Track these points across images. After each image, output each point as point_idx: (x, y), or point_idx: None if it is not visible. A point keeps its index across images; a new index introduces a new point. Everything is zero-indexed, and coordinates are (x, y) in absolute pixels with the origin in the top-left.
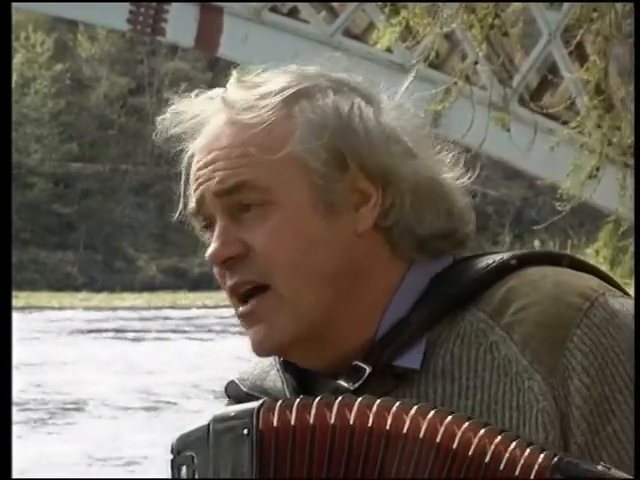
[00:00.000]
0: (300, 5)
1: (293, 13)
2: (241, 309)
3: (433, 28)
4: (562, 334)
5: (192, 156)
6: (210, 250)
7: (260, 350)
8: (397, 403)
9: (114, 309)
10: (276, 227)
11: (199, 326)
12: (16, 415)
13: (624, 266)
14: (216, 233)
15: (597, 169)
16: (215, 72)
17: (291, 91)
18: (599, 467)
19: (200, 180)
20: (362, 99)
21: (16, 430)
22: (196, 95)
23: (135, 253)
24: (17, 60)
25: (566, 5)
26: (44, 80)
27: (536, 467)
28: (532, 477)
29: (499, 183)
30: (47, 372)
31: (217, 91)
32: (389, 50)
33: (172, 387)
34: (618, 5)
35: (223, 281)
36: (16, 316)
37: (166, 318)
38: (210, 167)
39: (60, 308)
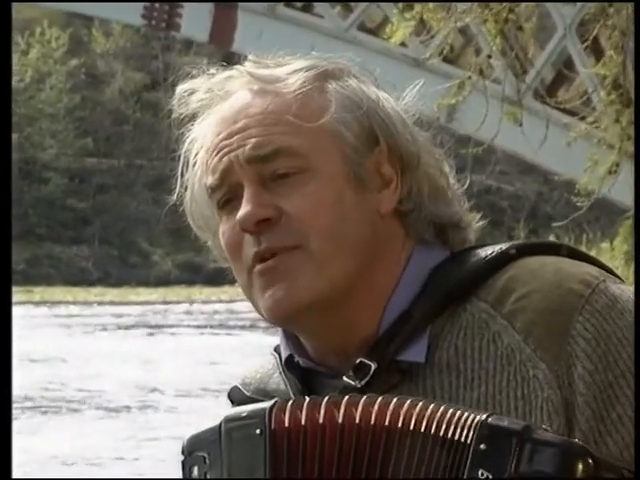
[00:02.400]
0: None
1: (307, 8)
2: (262, 265)
3: (447, 23)
4: (564, 321)
5: (194, 140)
6: (242, 212)
7: (277, 311)
8: (399, 400)
9: (133, 304)
10: (314, 192)
11: (215, 321)
12: (37, 408)
13: None
14: (246, 197)
15: (617, 164)
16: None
17: (320, 70)
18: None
19: (227, 149)
20: (382, 90)
21: (34, 423)
22: (210, 75)
23: (150, 248)
24: (32, 55)
25: None
26: (59, 75)
27: (467, 426)
28: (464, 435)
29: (514, 178)
30: (75, 366)
31: (236, 69)
32: (403, 44)
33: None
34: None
35: (236, 251)
36: (36, 311)
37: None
38: (240, 135)
39: (75, 303)
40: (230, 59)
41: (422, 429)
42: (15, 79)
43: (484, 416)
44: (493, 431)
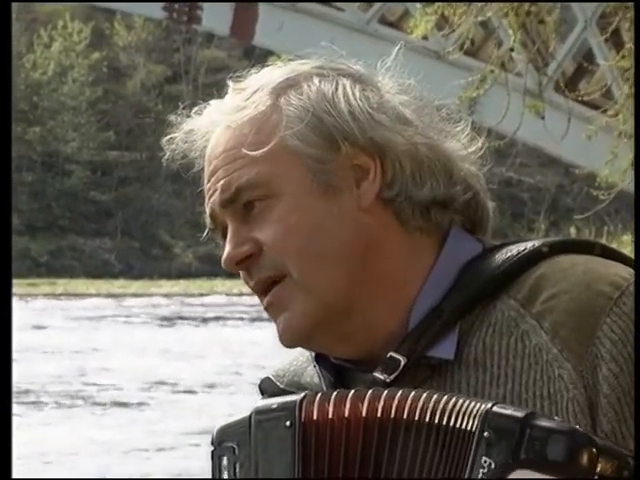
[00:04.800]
0: None
1: (328, 1)
2: (264, 302)
3: (469, 17)
4: (592, 322)
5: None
6: (224, 255)
7: (285, 339)
8: (416, 392)
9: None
10: (280, 218)
11: (235, 312)
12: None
13: None
14: (228, 238)
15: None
16: (251, 60)
17: (276, 84)
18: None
19: (209, 194)
20: (349, 79)
21: (61, 413)
22: (198, 112)
23: (172, 240)
24: (55, 49)
25: None
26: (81, 68)
27: (471, 414)
28: (469, 423)
29: (535, 170)
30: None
31: (214, 103)
32: (425, 38)
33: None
34: None
35: (248, 283)
36: (59, 303)
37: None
38: (213, 178)
39: (98, 295)
40: (251, 52)
41: (427, 419)
42: (38, 72)
43: (489, 404)
44: (496, 419)
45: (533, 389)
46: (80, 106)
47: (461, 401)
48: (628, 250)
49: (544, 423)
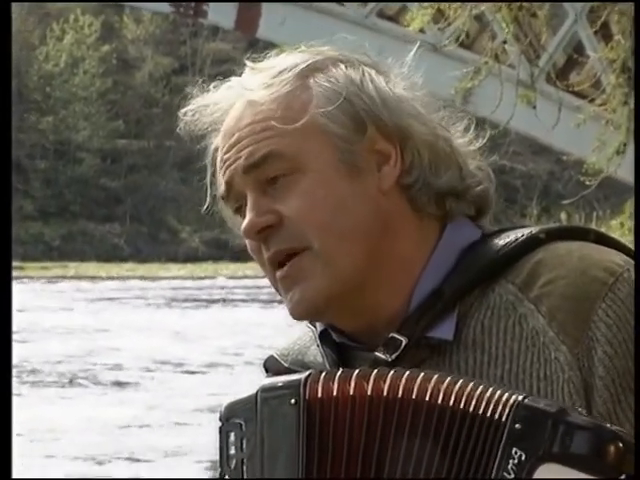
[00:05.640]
0: None
1: None
2: (278, 273)
3: (464, 10)
4: (587, 307)
5: (217, 149)
6: (245, 222)
7: (297, 312)
8: (426, 374)
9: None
10: (307, 191)
11: (240, 295)
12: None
13: None
14: (249, 207)
15: (624, 145)
16: (254, 52)
17: (304, 66)
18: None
19: (227, 163)
20: (373, 70)
21: (75, 392)
22: (215, 87)
23: (179, 225)
24: (66, 41)
25: None
26: (92, 60)
27: (501, 404)
28: (498, 413)
29: (527, 158)
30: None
31: (234, 80)
32: (422, 31)
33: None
34: None
35: (258, 255)
36: (71, 285)
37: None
38: (235, 147)
39: (108, 278)
40: (255, 45)
41: (451, 404)
42: (50, 64)
43: (520, 397)
44: (529, 412)
45: (530, 370)
46: (91, 96)
47: (491, 390)
48: (617, 234)
49: (575, 419)
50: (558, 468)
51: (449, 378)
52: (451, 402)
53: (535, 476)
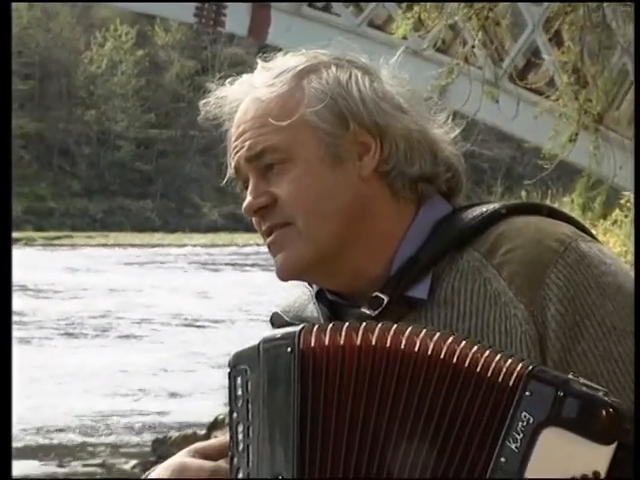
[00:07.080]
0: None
1: (327, 8)
2: (267, 240)
3: (440, 20)
4: (541, 272)
5: (231, 136)
6: (245, 203)
7: (282, 273)
8: (413, 328)
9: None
10: (295, 179)
11: (249, 260)
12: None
13: (594, 211)
14: (249, 189)
15: (576, 134)
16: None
17: (300, 68)
18: (569, 376)
19: (235, 150)
20: (360, 71)
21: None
22: (231, 82)
23: (201, 202)
24: (107, 47)
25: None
26: (128, 63)
27: (515, 373)
28: (512, 381)
29: (492, 144)
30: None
31: (246, 76)
32: (405, 38)
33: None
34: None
35: (259, 227)
36: (111, 251)
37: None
38: (241, 138)
39: (142, 245)
40: (265, 49)
41: (454, 361)
42: (94, 66)
43: (530, 367)
44: (538, 381)
45: (493, 325)
46: (127, 93)
47: (498, 357)
48: (567, 209)
49: (576, 390)
50: (559, 431)
51: (438, 334)
52: (443, 356)
53: (539, 437)
